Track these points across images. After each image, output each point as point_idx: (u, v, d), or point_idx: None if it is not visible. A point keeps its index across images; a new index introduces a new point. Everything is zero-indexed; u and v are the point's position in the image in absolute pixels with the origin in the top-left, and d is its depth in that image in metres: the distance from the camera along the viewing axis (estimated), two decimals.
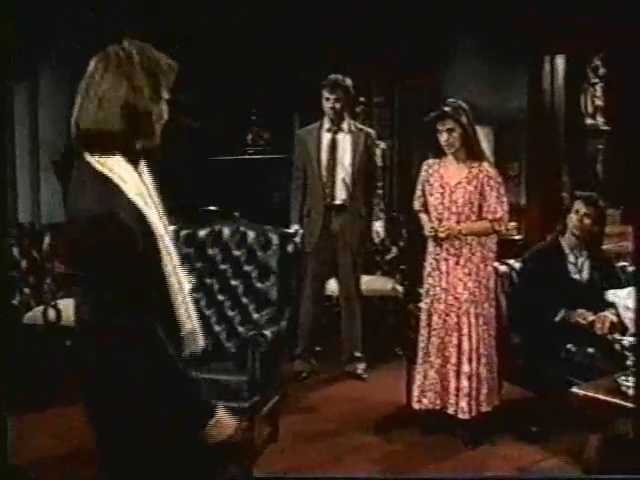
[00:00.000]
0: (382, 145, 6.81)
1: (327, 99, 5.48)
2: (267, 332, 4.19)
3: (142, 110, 2.11)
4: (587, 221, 4.71)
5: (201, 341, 2.36)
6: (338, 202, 5.54)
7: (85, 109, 2.11)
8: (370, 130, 5.76)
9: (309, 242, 5.45)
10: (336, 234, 5.54)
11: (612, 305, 4.25)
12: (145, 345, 2.11)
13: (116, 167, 2.11)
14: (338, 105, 5.47)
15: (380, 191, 5.91)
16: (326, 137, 5.57)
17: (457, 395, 4.46)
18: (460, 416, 4.45)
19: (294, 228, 5.05)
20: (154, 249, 2.14)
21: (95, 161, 2.11)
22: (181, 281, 2.23)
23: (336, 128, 5.55)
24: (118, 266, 2.06)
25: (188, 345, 2.31)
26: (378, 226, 5.90)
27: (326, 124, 5.57)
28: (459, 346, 4.48)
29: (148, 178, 2.25)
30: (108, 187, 2.09)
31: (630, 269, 4.88)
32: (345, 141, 5.56)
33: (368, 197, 5.65)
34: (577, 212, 4.72)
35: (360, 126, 5.72)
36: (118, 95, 2.09)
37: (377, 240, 5.95)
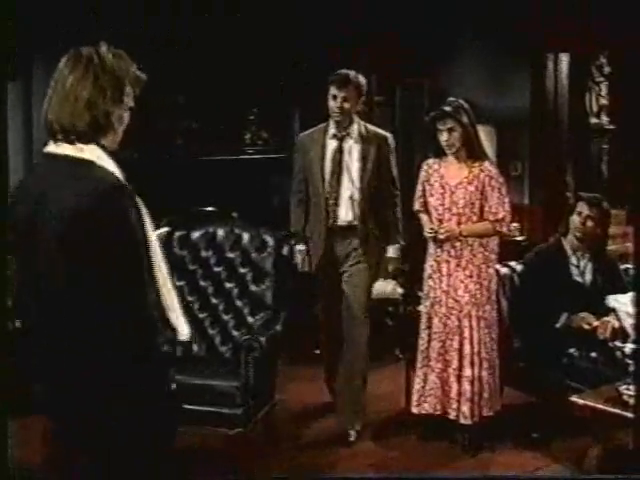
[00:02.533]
0: None
1: (334, 97, 4.58)
2: (261, 337, 4.13)
3: (102, 110, 2.21)
4: (590, 223, 4.64)
5: (186, 329, 2.36)
6: (341, 223, 4.64)
7: (52, 102, 2.22)
8: (386, 134, 4.76)
9: (313, 266, 4.77)
10: (341, 262, 4.71)
11: (613, 311, 4.19)
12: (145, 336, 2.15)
13: (96, 153, 2.20)
14: (347, 105, 4.56)
15: (398, 208, 4.77)
16: (331, 145, 4.67)
17: (459, 400, 4.42)
18: (462, 421, 4.41)
19: (299, 249, 4.72)
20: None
21: (72, 148, 2.20)
22: (163, 268, 2.28)
23: (344, 133, 4.64)
24: (136, 239, 2.15)
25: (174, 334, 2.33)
26: (392, 252, 4.79)
27: (332, 128, 4.68)
28: (460, 350, 4.44)
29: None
30: (98, 169, 2.18)
31: (633, 272, 4.81)
32: (354, 149, 4.65)
33: (382, 216, 4.73)
34: (580, 214, 4.66)
35: (374, 129, 4.74)
36: (82, 92, 2.19)
37: (390, 269, 4.90)
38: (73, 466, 2.25)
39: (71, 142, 2.19)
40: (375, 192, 4.66)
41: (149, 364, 2.17)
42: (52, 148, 2.24)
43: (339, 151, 4.65)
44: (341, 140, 4.66)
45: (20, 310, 2.36)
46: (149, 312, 2.17)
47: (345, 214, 4.63)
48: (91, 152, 2.19)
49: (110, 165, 2.20)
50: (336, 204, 4.62)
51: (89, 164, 2.18)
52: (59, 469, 2.34)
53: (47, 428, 2.27)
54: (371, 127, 4.75)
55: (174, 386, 2.26)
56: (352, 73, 4.61)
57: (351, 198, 4.62)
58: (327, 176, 4.63)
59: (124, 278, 2.13)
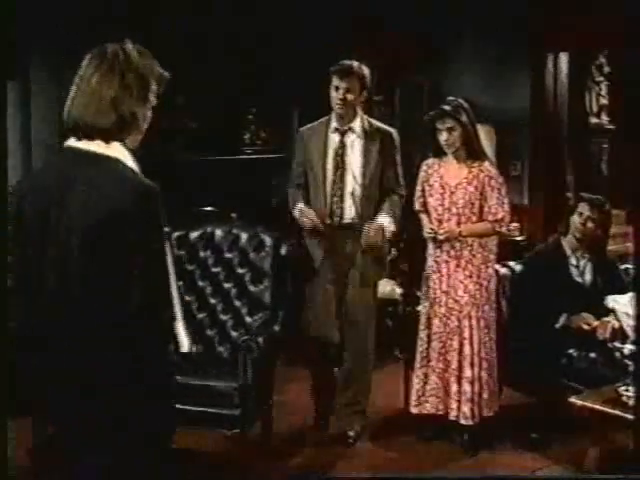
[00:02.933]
0: None
1: (336, 88, 4.38)
2: (260, 337, 4.11)
3: (128, 109, 2.17)
4: (590, 225, 4.63)
5: (186, 342, 2.42)
6: (346, 221, 4.46)
7: (77, 100, 2.18)
8: (391, 130, 4.57)
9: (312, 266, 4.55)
10: (345, 263, 4.51)
11: (612, 311, 4.18)
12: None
13: (122, 151, 2.18)
14: (350, 97, 4.37)
15: (398, 207, 4.55)
16: (333, 139, 4.48)
17: (459, 400, 4.41)
18: (462, 422, 4.40)
19: (299, 207, 4.48)
20: None
21: (96, 144, 2.16)
22: (172, 275, 2.29)
23: (346, 127, 4.46)
24: (164, 243, 2.16)
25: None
26: (387, 223, 4.45)
27: (334, 122, 4.49)
28: (460, 350, 4.42)
29: None
30: (126, 168, 2.15)
31: (633, 272, 4.80)
32: (356, 144, 4.46)
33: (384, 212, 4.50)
34: (581, 215, 4.64)
35: (378, 124, 4.56)
36: (109, 90, 2.15)
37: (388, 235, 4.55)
38: (72, 467, 2.23)
39: (95, 139, 2.15)
40: (378, 190, 4.48)
41: (159, 367, 2.15)
42: (73, 143, 2.19)
43: (341, 146, 4.47)
44: (343, 134, 4.47)
45: (17, 311, 2.29)
46: (169, 314, 2.18)
47: (349, 212, 4.46)
48: (118, 150, 2.16)
49: (134, 165, 2.16)
50: (341, 201, 4.45)
51: (116, 162, 2.15)
52: (56, 470, 2.31)
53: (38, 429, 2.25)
54: (375, 122, 4.57)
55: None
56: (355, 64, 4.43)
57: (352, 195, 4.44)
58: (329, 173, 4.46)
59: (152, 279, 2.10)
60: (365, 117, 4.53)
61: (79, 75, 2.19)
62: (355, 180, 4.44)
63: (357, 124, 4.47)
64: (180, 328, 2.29)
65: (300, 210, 4.50)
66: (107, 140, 2.15)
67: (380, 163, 4.46)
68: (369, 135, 4.46)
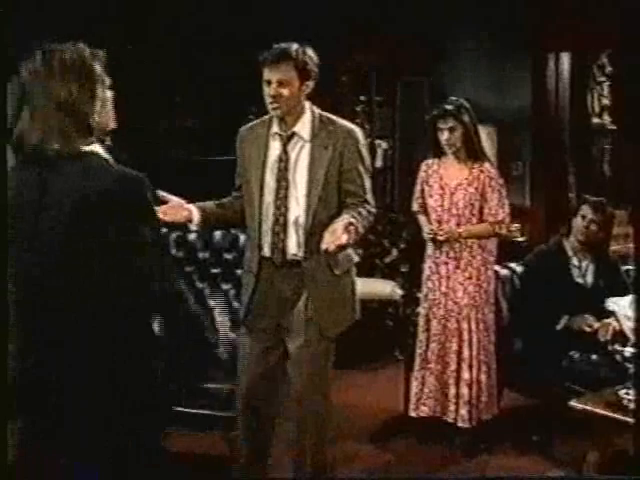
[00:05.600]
0: (383, 145, 6.73)
1: (268, 82, 3.32)
2: None
3: (82, 112, 2.13)
4: (593, 227, 4.61)
5: None
6: (290, 258, 3.39)
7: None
8: (351, 126, 3.49)
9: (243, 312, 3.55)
10: (287, 312, 3.45)
11: (612, 314, 4.17)
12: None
13: (97, 147, 2.16)
14: (287, 91, 3.31)
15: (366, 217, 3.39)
16: (274, 148, 3.42)
17: (457, 403, 4.41)
18: (460, 424, 4.39)
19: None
20: None
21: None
22: None
23: (289, 132, 3.39)
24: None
25: None
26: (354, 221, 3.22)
27: (274, 125, 3.43)
28: (459, 352, 4.42)
29: None
30: (108, 160, 2.14)
31: (634, 274, 4.78)
32: (303, 155, 3.39)
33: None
34: (584, 217, 4.62)
35: (335, 121, 3.45)
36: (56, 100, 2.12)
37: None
38: (65, 467, 2.21)
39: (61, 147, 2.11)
40: (334, 211, 3.35)
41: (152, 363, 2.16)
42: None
43: (284, 158, 3.40)
44: (286, 141, 3.41)
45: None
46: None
47: (293, 246, 3.39)
48: (93, 145, 2.14)
49: (109, 157, 2.15)
50: (283, 231, 3.38)
51: (98, 155, 2.13)
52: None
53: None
54: (332, 117, 3.47)
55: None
56: (293, 46, 3.32)
57: (296, 223, 3.37)
58: (268, 193, 3.39)
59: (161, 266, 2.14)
60: (317, 112, 3.44)
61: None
62: (297, 202, 3.37)
63: (304, 126, 3.40)
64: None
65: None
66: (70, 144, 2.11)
67: (335, 176, 3.36)
68: (320, 139, 3.39)
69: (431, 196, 4.52)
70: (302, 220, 3.36)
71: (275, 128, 3.43)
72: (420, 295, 4.63)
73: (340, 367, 5.74)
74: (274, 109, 3.35)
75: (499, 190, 4.45)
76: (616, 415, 3.42)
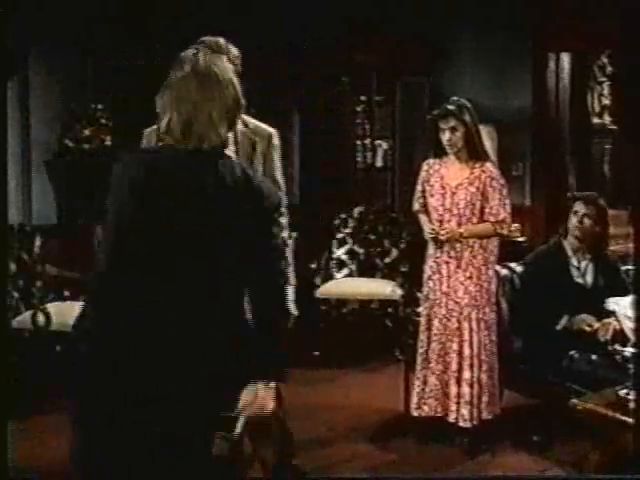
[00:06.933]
0: (383, 145, 6.74)
1: None
2: None
3: (234, 117, 2.40)
4: (587, 221, 4.60)
5: None
6: None
7: (192, 113, 2.29)
8: (270, 130, 3.49)
9: None
10: None
11: (612, 313, 4.16)
12: None
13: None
14: None
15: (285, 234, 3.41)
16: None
17: (458, 402, 4.39)
18: (461, 424, 4.38)
19: None
20: None
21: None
22: None
23: None
24: None
25: None
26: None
27: None
28: (460, 352, 4.41)
29: None
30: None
31: (633, 274, 4.78)
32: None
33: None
34: (576, 213, 4.63)
35: (255, 124, 3.45)
36: (219, 109, 2.33)
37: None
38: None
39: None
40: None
41: None
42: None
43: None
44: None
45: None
46: None
47: None
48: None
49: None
50: None
51: (229, 157, 2.37)
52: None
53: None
54: (250, 119, 3.43)
55: None
56: (222, 40, 3.11)
57: None
58: None
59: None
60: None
61: (179, 87, 2.28)
62: None
63: None
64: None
65: None
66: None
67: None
68: (244, 139, 3.38)
69: (432, 196, 4.52)
70: None
71: None
72: (420, 295, 4.63)
73: (340, 367, 5.81)
74: None
75: (500, 190, 4.44)
76: (616, 415, 3.42)
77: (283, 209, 3.62)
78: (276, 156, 3.49)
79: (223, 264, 2.23)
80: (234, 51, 3.20)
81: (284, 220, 3.52)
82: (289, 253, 4.35)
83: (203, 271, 2.22)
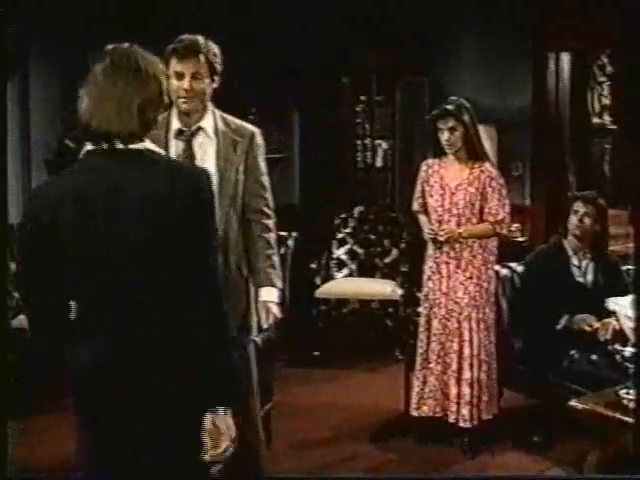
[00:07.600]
0: (383, 145, 6.73)
1: (179, 75, 3.25)
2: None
3: (152, 115, 2.27)
4: (587, 220, 4.60)
5: None
6: None
7: (100, 108, 2.21)
8: (253, 129, 3.48)
9: None
10: None
11: (613, 313, 4.15)
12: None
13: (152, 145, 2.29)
14: (199, 85, 3.27)
15: (271, 235, 3.53)
16: (177, 147, 3.36)
17: (458, 402, 4.40)
18: (461, 424, 4.38)
19: None
20: None
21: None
22: None
23: (194, 128, 3.35)
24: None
25: None
26: (266, 296, 3.51)
27: (176, 122, 3.36)
28: (460, 352, 4.41)
29: None
30: (159, 155, 2.31)
31: (633, 273, 4.77)
32: (208, 147, 3.37)
33: (250, 252, 3.48)
34: (576, 212, 4.63)
35: (236, 122, 3.45)
36: (135, 99, 2.22)
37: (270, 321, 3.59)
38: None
39: (123, 143, 2.21)
40: (241, 214, 3.42)
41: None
42: (97, 146, 2.22)
43: (188, 154, 3.32)
44: (190, 138, 3.33)
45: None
46: None
47: None
48: (151, 144, 2.26)
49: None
50: None
51: (159, 154, 2.28)
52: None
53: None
54: (233, 119, 3.44)
55: None
56: (201, 39, 3.28)
57: None
58: None
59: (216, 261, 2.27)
60: (218, 113, 3.40)
61: (95, 81, 2.21)
62: None
63: (208, 123, 3.35)
64: None
65: None
66: (131, 142, 2.22)
67: (242, 176, 3.38)
68: (225, 136, 3.36)
69: (431, 196, 4.52)
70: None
71: (177, 125, 3.35)
72: (420, 295, 4.63)
73: (340, 367, 5.82)
74: (185, 102, 3.29)
75: (499, 190, 4.45)
76: (616, 415, 3.41)
77: (270, 210, 3.54)
78: (259, 156, 3.45)
79: (167, 277, 2.19)
80: (214, 49, 3.33)
81: (270, 222, 3.50)
82: (289, 255, 4.41)
83: (151, 287, 2.18)
